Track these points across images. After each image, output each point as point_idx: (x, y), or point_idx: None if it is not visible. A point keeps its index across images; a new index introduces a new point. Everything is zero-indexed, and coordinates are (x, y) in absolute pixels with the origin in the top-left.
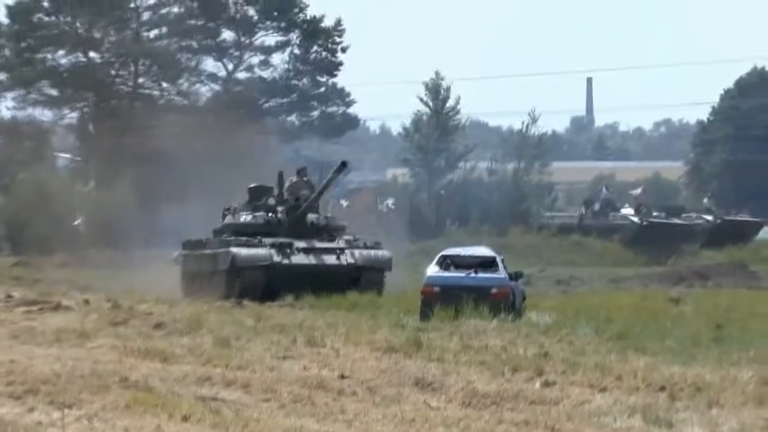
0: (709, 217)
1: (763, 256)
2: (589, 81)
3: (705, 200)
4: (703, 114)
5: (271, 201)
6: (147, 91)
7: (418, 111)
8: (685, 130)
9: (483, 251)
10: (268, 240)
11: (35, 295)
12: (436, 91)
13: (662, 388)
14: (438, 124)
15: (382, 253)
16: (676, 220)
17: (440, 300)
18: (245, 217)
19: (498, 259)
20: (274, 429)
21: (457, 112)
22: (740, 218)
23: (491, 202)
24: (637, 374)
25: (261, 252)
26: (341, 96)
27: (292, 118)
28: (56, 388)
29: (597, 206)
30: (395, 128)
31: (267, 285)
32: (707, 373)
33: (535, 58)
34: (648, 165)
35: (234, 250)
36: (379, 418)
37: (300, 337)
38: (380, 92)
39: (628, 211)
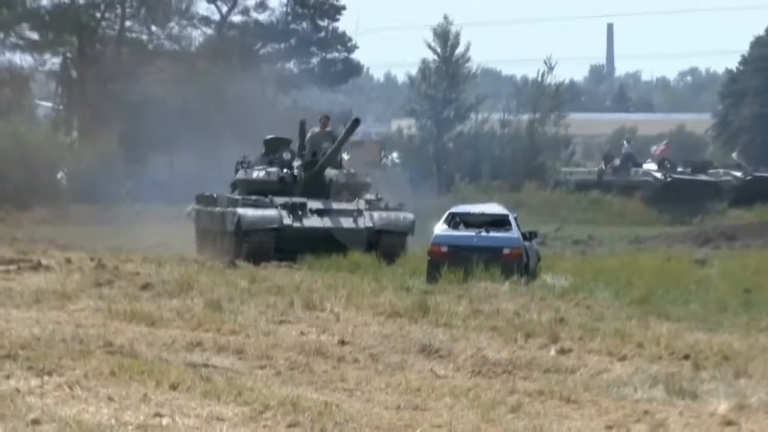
0: (738, 174)
1: None
2: (610, 27)
3: (733, 155)
4: (732, 63)
5: (287, 155)
6: (134, 36)
7: (426, 58)
8: (712, 80)
9: (494, 209)
10: (279, 199)
11: (13, 254)
12: (445, 36)
13: (686, 357)
14: (447, 73)
15: (404, 215)
16: (703, 177)
17: (448, 261)
18: (258, 173)
19: (510, 218)
20: (269, 398)
21: (468, 60)
22: None
23: (504, 157)
24: (660, 341)
25: (270, 213)
26: (343, 41)
27: (290, 65)
28: (35, 353)
29: (617, 161)
30: (401, 76)
31: (277, 249)
32: (734, 340)
33: (552, 1)
34: (673, 117)
35: (240, 211)
36: (382, 387)
37: (297, 299)
38: (385, 38)
39: (650, 166)
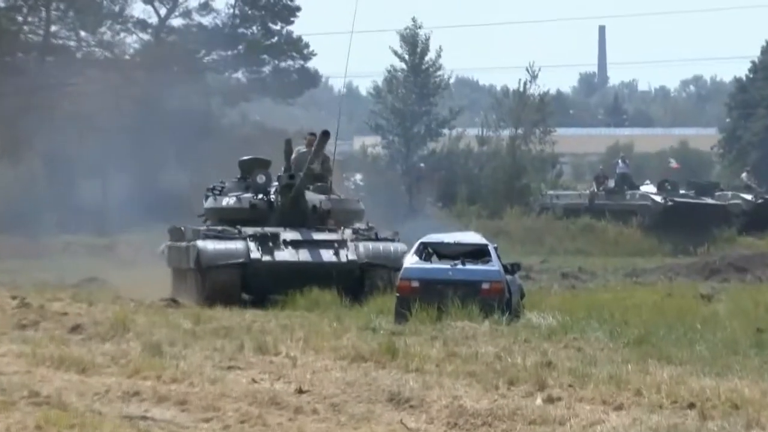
0: (748, 196)
1: None
2: (602, 30)
3: (743, 175)
4: (741, 70)
5: (260, 179)
6: (61, 42)
7: (392, 67)
8: (718, 89)
9: (472, 237)
10: (249, 230)
11: None
12: (414, 42)
13: (691, 406)
14: (416, 83)
15: (395, 247)
16: (708, 200)
17: (419, 297)
18: (227, 201)
19: (490, 248)
20: None
21: (439, 68)
22: None
23: (482, 178)
24: (661, 388)
25: (234, 246)
26: (298, 48)
27: (239, 74)
28: None
29: (611, 183)
30: (364, 87)
31: (246, 288)
32: (745, 386)
33: (536, 0)
34: (674, 132)
35: (200, 244)
36: None
37: (248, 342)
38: (345, 43)
39: (649, 188)
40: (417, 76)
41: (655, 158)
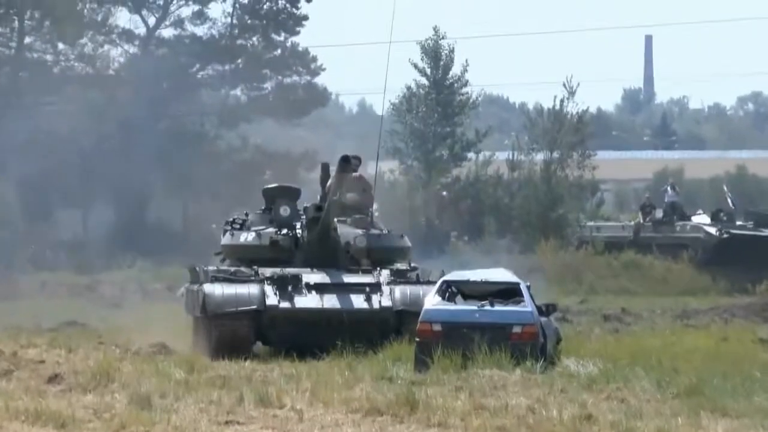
0: None
1: None
2: (648, 40)
3: None
4: None
5: (284, 211)
6: (36, 56)
7: (413, 82)
8: None
9: (501, 275)
10: (267, 271)
11: None
12: (436, 54)
13: None
14: (439, 101)
15: None
16: None
17: (442, 343)
18: (246, 237)
19: (522, 287)
20: None
21: (465, 84)
22: None
23: (513, 208)
24: None
25: (246, 291)
26: (305, 61)
27: (237, 91)
28: None
29: (659, 213)
30: (379, 106)
31: (262, 339)
32: None
33: (573, 8)
34: (730, 155)
35: (207, 288)
36: None
37: (249, 394)
38: (358, 56)
39: (701, 219)
40: (440, 93)
41: (708, 185)
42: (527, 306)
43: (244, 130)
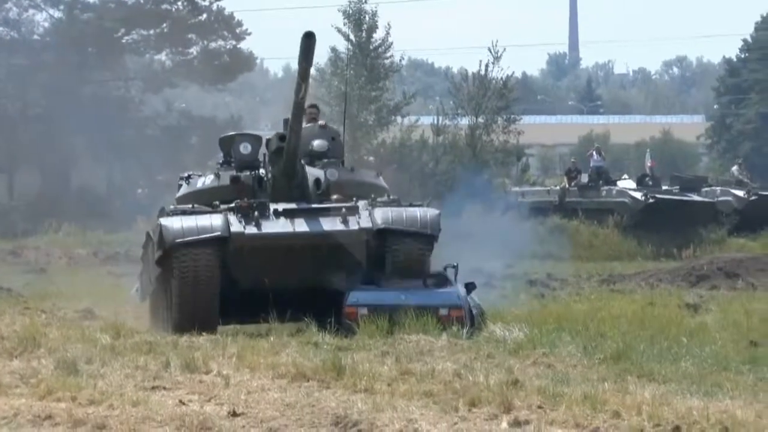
0: (740, 193)
1: None
2: (573, 5)
3: (733, 169)
4: (731, 50)
5: (245, 148)
6: None
7: (335, 48)
8: (706, 72)
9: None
10: (229, 206)
11: None
12: (359, 19)
13: (676, 429)
14: (363, 65)
15: (424, 211)
16: (694, 197)
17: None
18: (204, 180)
19: (448, 271)
20: None
21: (389, 47)
22: None
23: (437, 173)
24: (642, 409)
25: (208, 221)
26: (230, 26)
27: (162, 56)
28: None
29: (584, 178)
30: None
31: (229, 278)
32: (737, 407)
33: None
34: (655, 120)
35: (163, 221)
36: None
37: (175, 359)
38: (283, 21)
39: (627, 183)
40: (364, 58)
41: (633, 150)
42: (454, 287)
43: (169, 96)
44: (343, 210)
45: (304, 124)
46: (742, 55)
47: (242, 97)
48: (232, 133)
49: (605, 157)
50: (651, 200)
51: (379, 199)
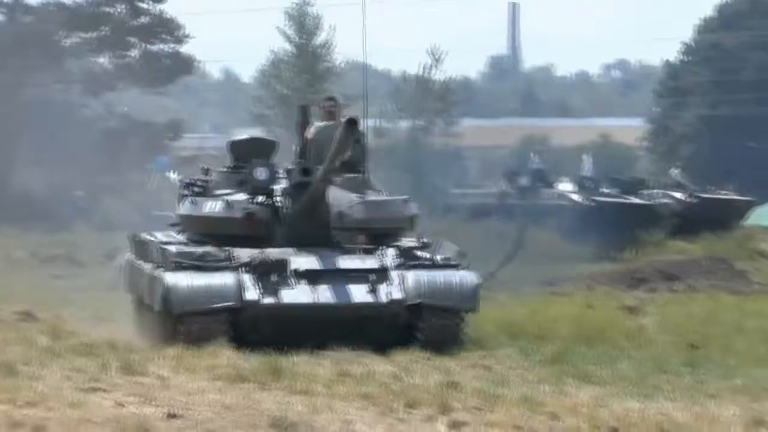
0: (679, 195)
1: (752, 247)
2: (514, 7)
3: (673, 171)
4: (672, 53)
5: (261, 174)
6: None
7: (277, 50)
8: (646, 75)
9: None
10: (243, 253)
11: None
12: (301, 21)
13: (614, 431)
14: (305, 68)
15: (461, 276)
16: (634, 199)
17: None
18: (212, 206)
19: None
20: None
21: (330, 49)
22: (722, 196)
23: (375, 175)
24: (579, 411)
25: (220, 282)
26: (170, 29)
27: (103, 59)
28: None
29: (524, 180)
30: (246, 74)
31: (239, 338)
32: (676, 409)
33: None
34: (595, 123)
35: (169, 279)
36: None
37: (113, 361)
38: (224, 24)
39: (566, 186)
40: (305, 60)
41: (573, 152)
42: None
43: (109, 99)
44: (371, 276)
45: (320, 124)
46: (684, 59)
47: (182, 99)
48: (244, 137)
49: (545, 159)
50: (591, 203)
51: (408, 246)
